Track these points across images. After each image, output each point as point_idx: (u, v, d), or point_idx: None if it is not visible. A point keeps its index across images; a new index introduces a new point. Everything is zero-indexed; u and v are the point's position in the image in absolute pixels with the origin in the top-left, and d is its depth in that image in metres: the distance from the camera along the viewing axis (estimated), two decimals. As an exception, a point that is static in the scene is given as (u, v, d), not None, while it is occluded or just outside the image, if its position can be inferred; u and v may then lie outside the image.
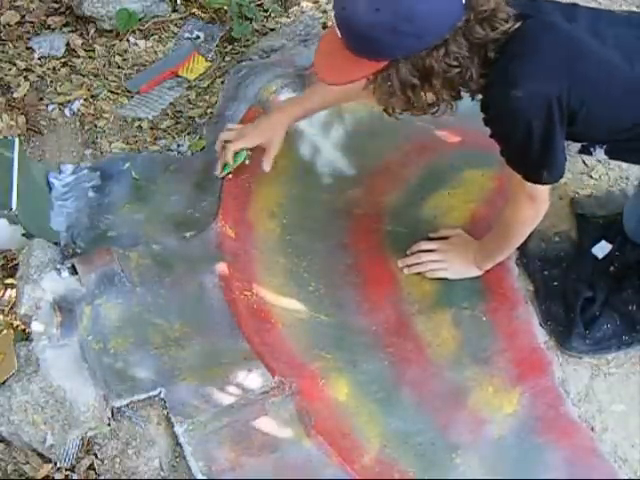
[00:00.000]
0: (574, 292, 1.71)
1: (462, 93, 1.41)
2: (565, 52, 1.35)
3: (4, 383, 1.48)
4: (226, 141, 1.80)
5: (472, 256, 1.73)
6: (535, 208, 1.54)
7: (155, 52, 2.22)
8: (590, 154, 1.56)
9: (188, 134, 2.02)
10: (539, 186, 1.48)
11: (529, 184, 1.48)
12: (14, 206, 1.65)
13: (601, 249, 1.78)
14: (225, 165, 1.81)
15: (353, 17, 1.27)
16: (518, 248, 1.73)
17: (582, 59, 1.36)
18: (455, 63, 1.30)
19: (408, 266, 1.76)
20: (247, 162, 1.80)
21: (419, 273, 1.75)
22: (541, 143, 1.37)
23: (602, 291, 1.71)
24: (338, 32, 1.30)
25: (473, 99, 1.42)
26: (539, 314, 1.71)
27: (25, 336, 1.57)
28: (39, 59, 2.17)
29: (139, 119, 2.06)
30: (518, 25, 1.32)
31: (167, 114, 2.08)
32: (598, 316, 1.68)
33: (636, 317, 1.69)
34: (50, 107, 2.07)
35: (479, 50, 1.32)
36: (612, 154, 1.56)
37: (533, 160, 1.42)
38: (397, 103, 1.39)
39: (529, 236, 1.68)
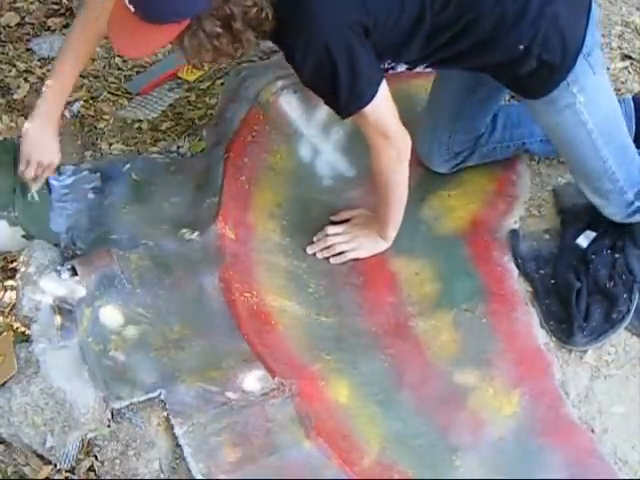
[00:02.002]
0: (566, 286, 1.71)
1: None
2: None
3: (4, 385, 1.47)
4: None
5: (375, 230, 1.77)
6: (394, 145, 1.57)
7: (155, 54, 2.22)
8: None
9: (188, 135, 2.02)
10: (381, 116, 1.52)
11: (371, 119, 1.51)
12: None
13: (586, 238, 1.79)
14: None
15: None
16: (511, 251, 1.74)
17: None
18: (249, 3, 1.34)
19: (320, 251, 1.79)
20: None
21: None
22: (348, 71, 1.42)
23: (586, 278, 1.73)
24: (131, 7, 1.31)
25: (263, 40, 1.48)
26: (540, 315, 1.71)
27: (25, 338, 1.57)
28: (39, 60, 2.17)
29: (139, 120, 2.06)
30: None
31: (167, 116, 2.08)
32: (589, 305, 1.69)
33: (614, 292, 1.71)
34: (50, 108, 2.07)
35: None
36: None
37: (348, 88, 1.45)
38: (206, 55, 1.40)
39: (521, 238, 1.69)
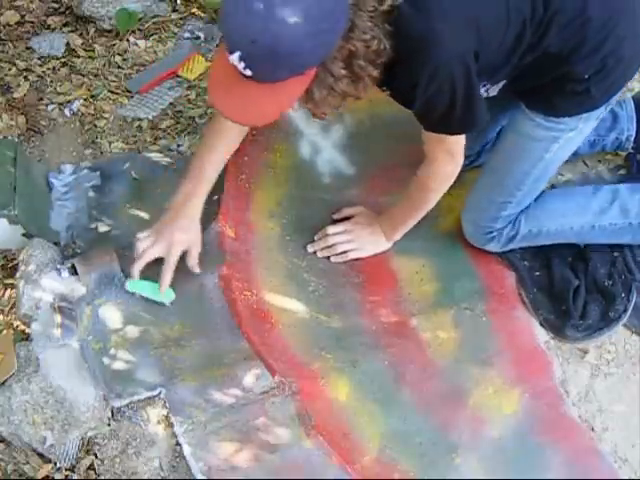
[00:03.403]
0: (563, 283, 1.72)
1: None
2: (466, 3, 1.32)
3: (4, 383, 1.48)
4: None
5: (379, 230, 1.76)
6: (454, 163, 1.56)
7: (155, 52, 2.22)
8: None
9: (188, 134, 2.02)
10: (459, 139, 1.49)
11: (449, 139, 1.48)
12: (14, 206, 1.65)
13: None
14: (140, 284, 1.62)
15: (271, 43, 1.12)
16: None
17: (483, 9, 1.33)
18: (368, 36, 1.22)
19: (320, 250, 1.78)
20: (166, 303, 1.62)
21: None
22: (464, 99, 1.37)
23: (583, 276, 1.73)
24: (247, 72, 1.16)
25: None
26: (528, 303, 1.72)
27: (25, 336, 1.57)
28: (39, 59, 2.17)
29: (139, 119, 2.06)
30: None
31: (167, 114, 2.08)
32: (586, 303, 1.70)
33: (612, 291, 1.71)
34: (50, 107, 2.07)
35: (379, 19, 1.24)
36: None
37: (459, 117, 1.41)
38: (333, 102, 1.31)
39: None
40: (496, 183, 1.69)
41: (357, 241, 1.77)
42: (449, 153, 1.53)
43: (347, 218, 1.82)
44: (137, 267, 1.59)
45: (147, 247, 1.60)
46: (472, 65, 1.33)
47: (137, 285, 1.60)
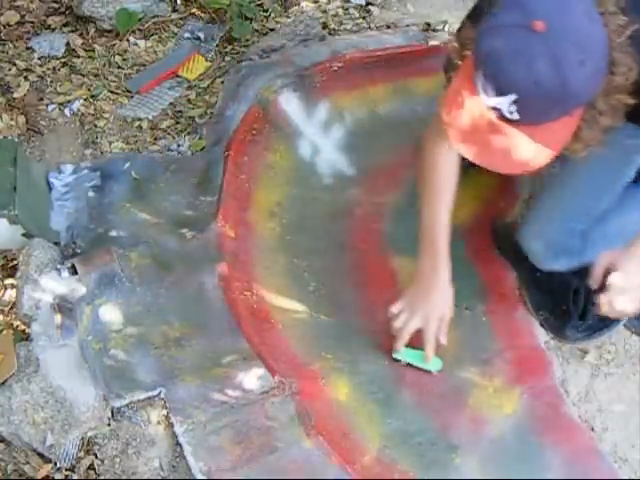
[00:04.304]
0: (563, 283, 1.71)
1: None
2: None
3: (4, 383, 1.47)
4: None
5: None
6: None
7: (155, 52, 2.22)
8: None
9: (188, 134, 2.02)
10: None
11: None
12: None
13: None
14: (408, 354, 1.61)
15: (553, 85, 1.07)
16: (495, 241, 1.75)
17: None
18: (626, 68, 1.15)
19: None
20: (434, 371, 1.60)
21: None
22: None
23: (583, 277, 1.72)
24: (514, 116, 1.10)
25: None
26: (528, 303, 1.72)
27: (25, 336, 1.57)
28: (39, 59, 2.17)
29: (139, 119, 2.06)
30: None
31: (167, 114, 2.08)
32: (586, 304, 1.68)
33: None
34: (50, 107, 2.07)
35: (628, 47, 1.15)
36: None
37: None
38: (597, 137, 1.21)
39: (504, 226, 1.68)
40: (576, 194, 1.55)
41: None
42: None
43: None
44: (400, 344, 1.58)
45: (405, 321, 1.57)
46: None
47: (403, 354, 1.60)
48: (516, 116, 1.11)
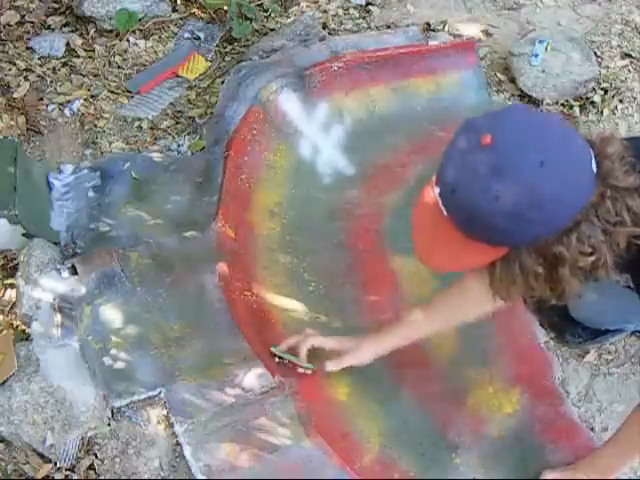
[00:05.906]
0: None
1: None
2: None
3: (4, 383, 1.47)
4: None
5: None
6: None
7: (155, 52, 2.22)
8: None
9: (188, 134, 2.02)
10: None
11: None
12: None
13: None
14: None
15: (467, 203, 1.04)
16: None
17: None
18: (589, 250, 1.05)
19: None
20: (308, 372, 1.57)
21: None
22: None
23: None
24: (444, 211, 1.08)
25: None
26: (528, 304, 1.71)
27: (25, 336, 1.57)
28: (39, 59, 2.17)
29: (139, 119, 2.06)
30: None
31: (167, 114, 2.08)
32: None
33: None
34: (50, 107, 2.07)
35: (615, 232, 1.07)
36: None
37: None
38: (516, 291, 1.15)
39: None
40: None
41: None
42: None
43: None
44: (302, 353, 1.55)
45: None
46: None
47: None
48: (445, 213, 1.08)
